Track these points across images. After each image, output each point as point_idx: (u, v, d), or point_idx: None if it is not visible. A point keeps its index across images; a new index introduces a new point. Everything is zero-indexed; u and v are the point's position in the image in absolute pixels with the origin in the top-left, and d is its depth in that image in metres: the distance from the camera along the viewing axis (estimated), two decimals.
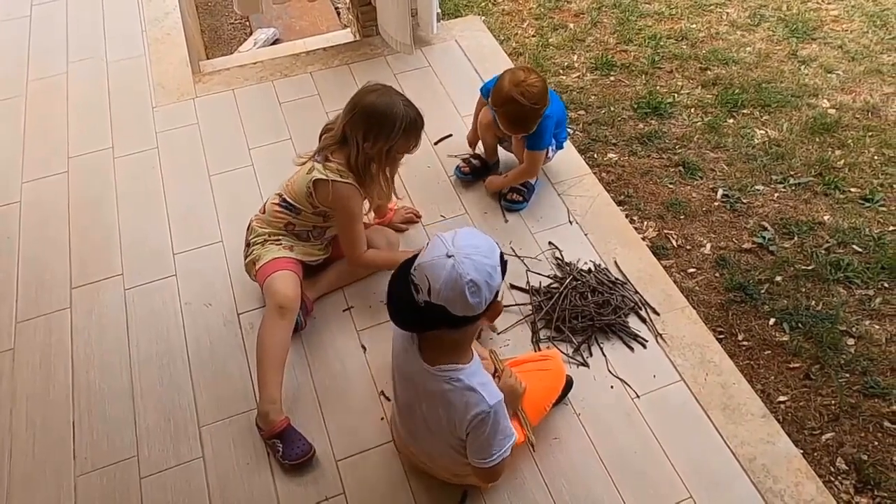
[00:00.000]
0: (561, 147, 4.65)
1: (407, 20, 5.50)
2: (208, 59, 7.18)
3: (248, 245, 4.02)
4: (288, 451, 3.46)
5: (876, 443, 4.06)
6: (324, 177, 3.72)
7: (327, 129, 3.88)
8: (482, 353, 3.31)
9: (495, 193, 4.69)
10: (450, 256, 2.59)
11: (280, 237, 3.95)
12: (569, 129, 5.64)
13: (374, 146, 3.67)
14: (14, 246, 4.58)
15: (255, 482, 3.51)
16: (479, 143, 4.79)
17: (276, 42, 7.69)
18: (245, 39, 7.88)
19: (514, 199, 4.63)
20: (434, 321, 2.68)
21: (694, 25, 7.05)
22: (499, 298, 2.76)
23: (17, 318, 4.21)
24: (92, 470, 3.58)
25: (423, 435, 3.16)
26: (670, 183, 5.48)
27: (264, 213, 4.01)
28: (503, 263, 2.73)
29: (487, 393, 2.81)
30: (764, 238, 5.05)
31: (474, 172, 4.78)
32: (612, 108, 6.14)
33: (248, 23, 8.16)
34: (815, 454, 4.02)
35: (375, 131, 3.65)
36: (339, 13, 8.10)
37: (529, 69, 4.21)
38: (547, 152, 4.51)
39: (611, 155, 5.72)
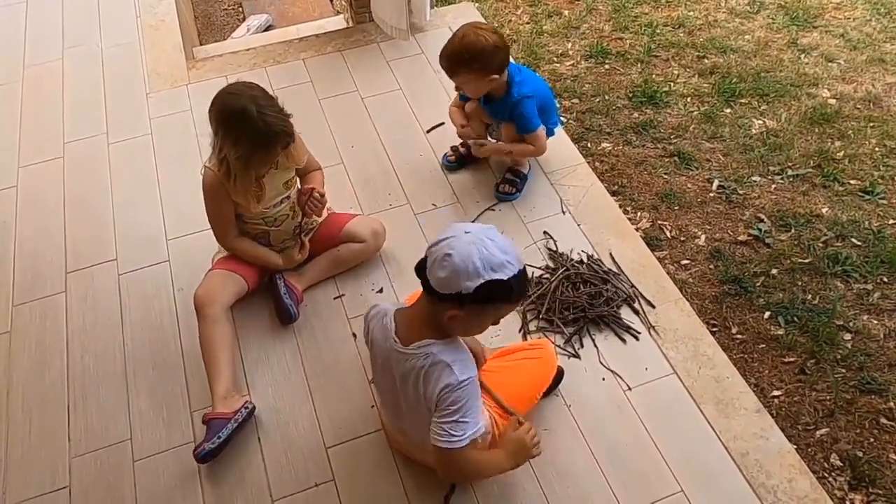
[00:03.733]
0: (552, 133, 4.58)
1: (403, 6, 5.47)
2: (202, 45, 7.13)
3: None
4: (201, 440, 3.44)
5: (871, 439, 4.01)
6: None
7: None
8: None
9: (491, 190, 4.65)
10: (467, 233, 2.66)
11: None
12: (562, 118, 5.60)
13: (224, 144, 3.54)
14: (10, 231, 4.62)
15: (246, 467, 3.53)
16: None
17: (268, 28, 7.64)
18: (238, 26, 7.84)
19: (507, 191, 4.60)
20: (424, 282, 2.74)
21: (691, 13, 6.99)
22: (492, 310, 2.76)
23: (13, 302, 4.25)
24: (86, 452, 3.62)
25: (406, 422, 3.16)
26: (665, 173, 5.42)
27: None
28: (517, 281, 2.67)
29: (458, 368, 2.78)
30: (760, 230, 4.99)
31: (461, 161, 4.75)
32: (606, 97, 6.08)
33: (241, 9, 8.12)
34: (809, 450, 3.97)
35: (222, 132, 3.53)
36: (331, 0, 8.05)
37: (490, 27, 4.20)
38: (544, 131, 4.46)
39: (605, 144, 5.66)
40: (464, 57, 4.06)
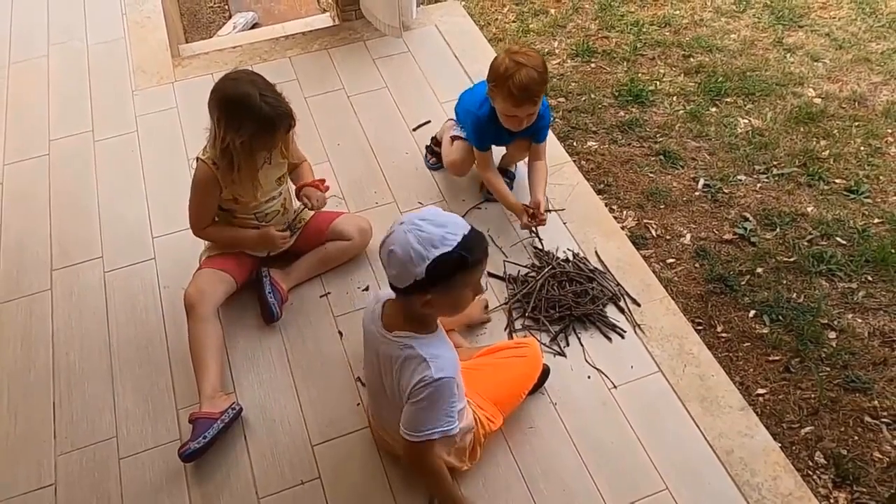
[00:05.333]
0: None
1: (396, 2, 5.47)
2: (188, 42, 7.11)
3: None
4: (186, 440, 3.44)
5: (856, 437, 4.02)
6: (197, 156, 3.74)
7: None
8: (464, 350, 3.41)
9: (477, 187, 4.64)
10: (401, 223, 2.69)
11: None
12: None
13: (226, 135, 3.52)
14: None
15: (232, 465, 3.53)
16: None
17: (254, 26, 7.63)
18: (224, 23, 7.82)
19: None
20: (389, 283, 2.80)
21: (677, 12, 7.00)
22: (459, 283, 2.75)
23: None
24: (72, 449, 3.62)
25: (385, 410, 3.19)
26: (651, 172, 5.43)
27: None
28: (464, 247, 2.66)
29: (436, 366, 2.78)
30: (745, 229, 5.00)
31: (440, 160, 4.72)
32: (592, 96, 6.09)
33: (227, 7, 8.11)
34: (794, 448, 3.98)
35: (226, 120, 3.51)
36: None
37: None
38: None
39: (591, 143, 5.66)
40: (541, 77, 3.94)
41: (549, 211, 4.48)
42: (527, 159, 4.46)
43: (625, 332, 3.96)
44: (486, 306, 4.00)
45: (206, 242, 4.07)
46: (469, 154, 4.40)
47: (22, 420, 3.72)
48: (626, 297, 4.10)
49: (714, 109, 5.97)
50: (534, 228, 4.31)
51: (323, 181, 4.08)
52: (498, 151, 4.45)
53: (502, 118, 4.07)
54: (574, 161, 4.93)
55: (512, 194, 4.40)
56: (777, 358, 4.35)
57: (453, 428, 2.89)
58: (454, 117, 4.60)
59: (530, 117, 4.03)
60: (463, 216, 4.17)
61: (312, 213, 4.19)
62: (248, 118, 3.47)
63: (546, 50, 6.58)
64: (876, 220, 5.09)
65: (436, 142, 4.77)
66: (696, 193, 5.27)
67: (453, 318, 3.73)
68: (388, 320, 2.93)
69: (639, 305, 4.07)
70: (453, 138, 4.48)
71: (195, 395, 3.61)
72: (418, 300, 2.74)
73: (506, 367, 3.50)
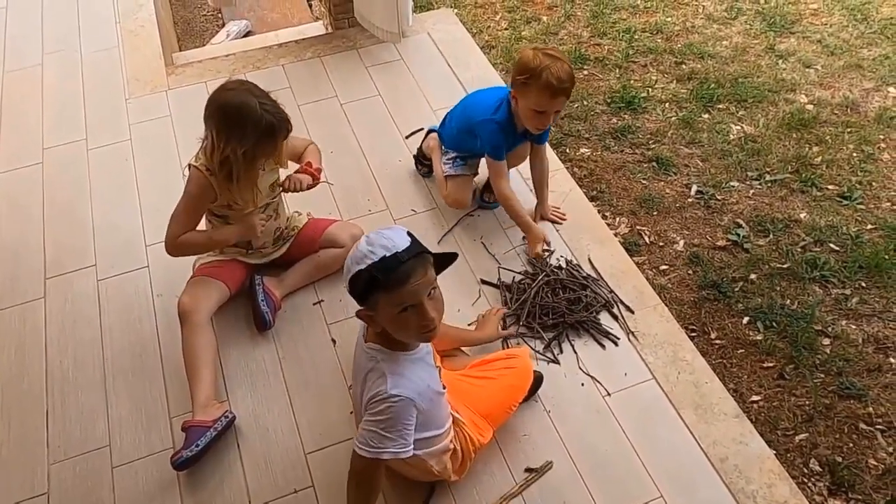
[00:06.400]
0: None
1: (395, 8, 5.48)
2: (181, 51, 7.12)
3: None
4: (179, 448, 3.42)
5: (850, 444, 4.02)
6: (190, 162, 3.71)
7: None
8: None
9: (473, 192, 4.61)
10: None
11: None
12: None
13: (227, 146, 3.50)
14: None
15: (225, 473, 3.52)
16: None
17: (248, 34, 7.62)
18: (217, 32, 7.82)
19: (491, 200, 4.57)
20: None
21: (669, 19, 7.01)
22: (382, 303, 2.74)
23: None
24: (65, 458, 3.60)
25: (358, 418, 3.16)
26: (643, 179, 5.43)
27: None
28: (378, 268, 2.65)
29: (392, 382, 2.79)
30: (738, 235, 5.00)
31: (432, 170, 4.72)
32: (585, 103, 6.09)
33: (220, 15, 8.11)
34: (789, 455, 3.98)
35: (226, 131, 3.49)
36: (310, 6, 8.06)
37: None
38: None
39: (583, 150, 5.67)
40: (572, 71, 3.93)
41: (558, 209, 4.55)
42: (528, 162, 4.49)
43: (618, 339, 3.95)
44: (504, 325, 3.97)
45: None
46: (469, 185, 4.49)
47: (15, 428, 3.71)
48: (619, 304, 4.10)
49: (706, 116, 5.98)
50: (543, 253, 4.31)
51: (319, 170, 4.04)
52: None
53: (528, 117, 4.03)
54: (567, 168, 4.94)
55: (528, 215, 4.37)
56: (771, 365, 4.35)
57: (404, 452, 2.85)
58: (436, 134, 4.61)
59: (557, 114, 4.04)
60: (455, 224, 4.24)
61: (306, 220, 4.19)
62: (250, 127, 3.45)
63: None
64: (869, 226, 5.09)
65: (423, 154, 4.75)
66: (689, 200, 5.27)
67: (471, 336, 3.81)
68: (368, 331, 2.95)
69: (632, 312, 4.07)
70: (448, 178, 4.49)
71: (188, 404, 3.60)
72: (361, 314, 2.82)
73: (496, 379, 3.48)
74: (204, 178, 3.63)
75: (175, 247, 3.79)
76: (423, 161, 4.76)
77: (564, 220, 4.46)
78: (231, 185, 3.62)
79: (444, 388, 3.11)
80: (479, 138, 4.24)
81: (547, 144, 4.46)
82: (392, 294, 2.67)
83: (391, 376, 2.79)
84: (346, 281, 2.74)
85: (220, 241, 3.95)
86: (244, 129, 3.46)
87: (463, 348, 3.82)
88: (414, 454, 2.94)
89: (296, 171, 4.00)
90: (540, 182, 4.47)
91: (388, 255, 2.64)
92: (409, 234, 2.74)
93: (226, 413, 3.55)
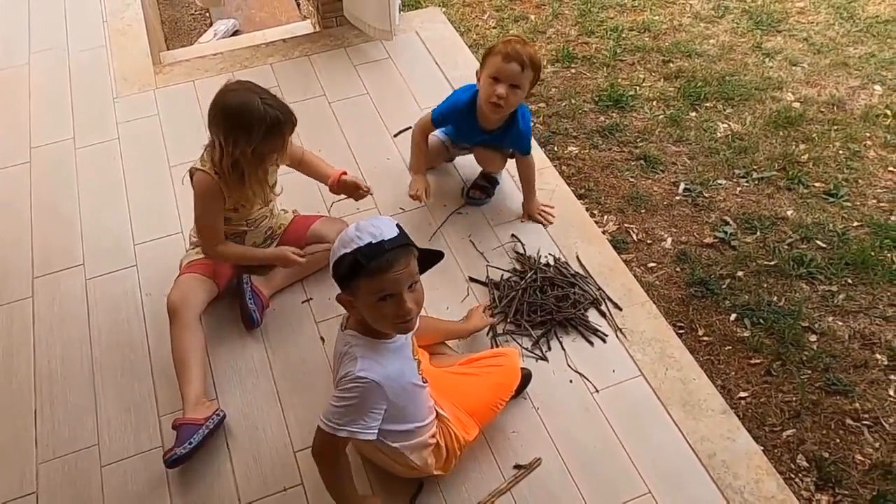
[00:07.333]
0: None
1: (387, 6, 5.48)
2: (169, 50, 7.11)
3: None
4: (171, 446, 3.42)
5: (837, 440, 4.04)
6: (194, 166, 3.70)
7: None
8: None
9: (459, 192, 4.64)
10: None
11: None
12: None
13: (236, 148, 3.52)
14: None
15: (214, 471, 3.51)
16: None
17: (235, 33, 7.63)
18: (205, 31, 7.82)
19: (477, 196, 4.60)
20: None
21: (656, 17, 7.02)
22: (364, 288, 2.75)
23: None
24: (54, 457, 3.59)
25: None
26: (631, 176, 5.44)
27: None
28: (362, 253, 2.68)
29: (362, 364, 2.81)
30: (726, 233, 5.02)
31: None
32: (573, 101, 6.10)
33: (207, 14, 8.11)
34: (776, 451, 3.99)
35: (235, 133, 3.50)
36: (298, 5, 8.06)
37: None
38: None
39: (571, 148, 5.68)
40: (535, 55, 4.00)
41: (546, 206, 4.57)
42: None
43: (606, 336, 3.96)
44: (486, 311, 3.97)
45: (187, 246, 4.07)
46: (439, 150, 4.63)
47: (3, 428, 3.70)
48: (607, 301, 4.11)
49: (694, 114, 5.99)
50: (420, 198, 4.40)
51: (361, 187, 4.15)
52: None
53: (484, 89, 4.07)
54: (555, 166, 4.95)
55: (422, 170, 4.52)
56: (758, 361, 4.36)
57: (364, 433, 2.86)
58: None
59: (511, 91, 4.01)
60: (444, 221, 4.24)
61: (291, 218, 4.21)
62: (256, 124, 3.47)
63: None
64: (855, 224, 5.10)
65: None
66: (677, 198, 5.29)
67: (457, 328, 3.83)
68: (348, 319, 2.98)
69: (620, 310, 4.08)
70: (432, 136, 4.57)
71: (177, 403, 3.60)
72: (341, 298, 2.85)
73: (483, 377, 3.48)
74: (211, 180, 3.63)
75: (216, 256, 3.88)
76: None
77: (551, 222, 4.46)
78: (244, 186, 3.66)
79: (426, 381, 3.12)
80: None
81: (534, 153, 4.45)
82: (373, 280, 2.69)
83: (362, 359, 2.81)
84: (331, 263, 2.77)
85: (254, 259, 4.00)
86: (250, 128, 3.47)
87: (450, 346, 3.83)
88: (392, 447, 3.00)
89: (340, 180, 4.13)
90: (526, 182, 4.50)
91: (373, 241, 2.67)
92: (398, 226, 2.76)
93: (217, 411, 3.55)
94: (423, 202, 4.41)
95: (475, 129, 4.29)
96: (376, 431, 2.90)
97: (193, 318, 3.75)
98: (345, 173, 4.13)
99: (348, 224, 4.08)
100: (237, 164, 3.55)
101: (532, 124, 4.50)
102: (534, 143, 4.75)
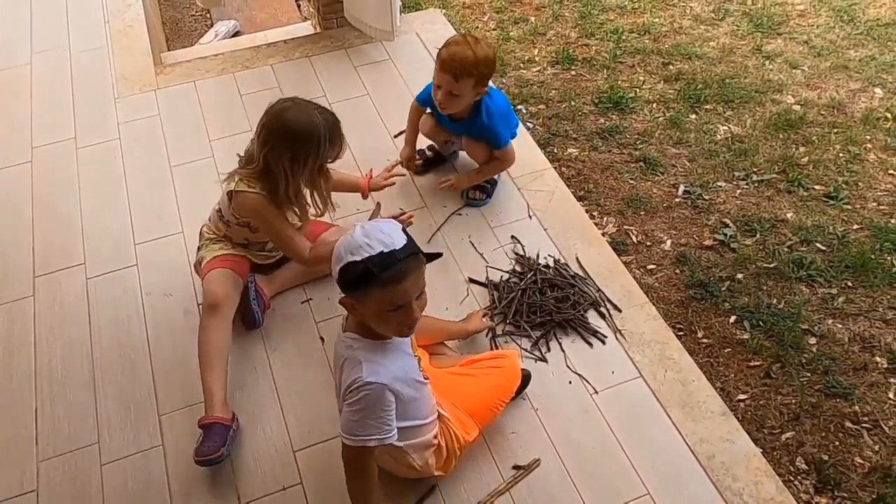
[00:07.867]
0: (514, 135, 4.57)
1: (388, 6, 5.47)
2: (170, 50, 7.11)
3: (198, 249, 4.02)
4: (201, 446, 3.40)
5: (836, 443, 4.04)
6: (237, 188, 3.65)
7: (248, 160, 3.72)
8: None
9: (459, 189, 4.62)
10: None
11: (223, 242, 3.95)
12: (528, 124, 5.66)
13: (304, 167, 3.54)
14: None
15: (214, 470, 3.51)
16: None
17: (236, 34, 7.62)
18: (206, 32, 7.82)
19: (477, 196, 4.60)
20: None
21: (657, 19, 7.02)
22: (373, 295, 2.72)
23: None
24: (54, 456, 3.60)
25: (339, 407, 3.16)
26: (631, 178, 5.44)
27: (210, 220, 3.99)
28: (375, 262, 2.64)
29: (367, 369, 2.79)
30: (725, 235, 5.02)
31: (428, 164, 4.79)
32: (572, 103, 6.10)
33: (208, 15, 8.11)
34: (775, 453, 3.99)
35: (304, 152, 3.51)
36: (299, 6, 8.06)
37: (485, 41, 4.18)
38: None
39: (571, 150, 5.68)
40: (474, 62, 3.98)
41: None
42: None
43: (606, 337, 3.96)
44: (486, 314, 3.96)
45: (199, 242, 4.02)
46: (429, 121, 4.60)
47: (3, 426, 3.70)
48: (607, 302, 4.11)
49: (694, 116, 5.99)
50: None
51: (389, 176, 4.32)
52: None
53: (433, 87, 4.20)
54: (555, 168, 4.94)
55: (411, 142, 4.69)
56: (758, 363, 4.36)
57: (389, 437, 2.86)
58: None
59: (448, 97, 4.10)
60: (444, 222, 4.24)
61: (300, 224, 4.19)
62: (324, 139, 3.52)
63: (526, 58, 6.60)
64: (855, 226, 5.11)
65: (429, 146, 4.82)
66: (677, 200, 5.29)
67: (456, 328, 3.83)
68: (348, 320, 2.96)
69: (620, 311, 4.08)
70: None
71: (177, 401, 3.63)
72: (345, 301, 2.81)
73: (483, 378, 3.48)
74: (264, 200, 3.63)
75: (314, 262, 3.87)
76: (430, 146, 4.83)
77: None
78: (314, 199, 3.74)
79: (427, 378, 3.11)
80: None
81: (534, 155, 4.50)
82: (385, 291, 2.67)
83: (366, 363, 2.79)
84: (336, 267, 2.71)
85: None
86: (320, 142, 3.51)
87: (450, 347, 3.83)
88: (397, 446, 3.00)
89: (371, 186, 4.29)
90: (483, 165, 4.53)
91: (385, 251, 2.63)
92: (404, 230, 2.74)
93: (234, 414, 3.57)
94: (402, 168, 4.55)
95: (444, 116, 4.35)
96: (396, 431, 2.90)
97: (231, 315, 3.74)
98: (370, 177, 4.21)
99: None
100: (309, 182, 3.61)
101: (532, 126, 4.51)
102: (533, 144, 4.79)
